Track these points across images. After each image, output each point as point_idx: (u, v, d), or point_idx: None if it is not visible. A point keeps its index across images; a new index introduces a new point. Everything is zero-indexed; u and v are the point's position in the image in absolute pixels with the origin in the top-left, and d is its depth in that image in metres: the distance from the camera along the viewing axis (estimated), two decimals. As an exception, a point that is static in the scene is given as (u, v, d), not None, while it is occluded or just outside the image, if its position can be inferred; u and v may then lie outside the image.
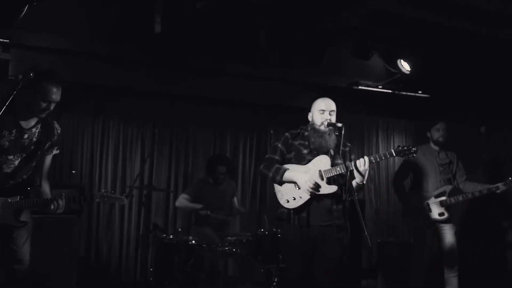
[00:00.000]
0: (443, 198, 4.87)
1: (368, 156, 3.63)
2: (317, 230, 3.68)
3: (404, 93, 6.75)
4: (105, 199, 3.55)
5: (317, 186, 3.63)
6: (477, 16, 5.20)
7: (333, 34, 5.91)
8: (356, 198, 3.41)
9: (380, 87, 6.61)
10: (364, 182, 3.66)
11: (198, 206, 5.46)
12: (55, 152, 3.51)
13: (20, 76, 3.01)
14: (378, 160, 3.67)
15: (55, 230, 4.91)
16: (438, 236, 4.96)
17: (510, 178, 4.67)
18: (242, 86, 6.17)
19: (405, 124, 7.38)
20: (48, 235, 4.81)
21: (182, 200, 5.57)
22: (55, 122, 3.47)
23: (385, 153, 3.63)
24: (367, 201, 7.12)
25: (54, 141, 3.45)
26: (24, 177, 3.35)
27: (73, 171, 4.50)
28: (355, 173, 3.59)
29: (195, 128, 6.34)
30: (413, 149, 3.62)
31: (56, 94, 3.23)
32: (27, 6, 4.59)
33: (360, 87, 6.54)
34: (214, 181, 5.69)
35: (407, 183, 5.29)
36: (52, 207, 3.28)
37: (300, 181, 3.67)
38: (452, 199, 4.85)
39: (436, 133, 5.02)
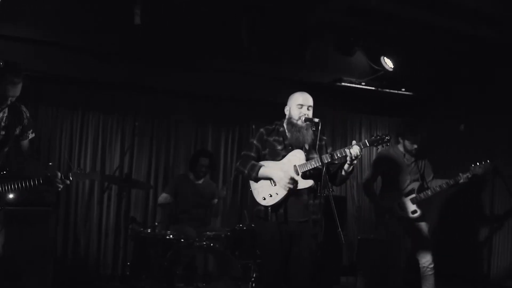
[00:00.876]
0: (413, 195, 4.94)
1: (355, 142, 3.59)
2: (294, 227, 3.67)
3: (388, 90, 6.73)
4: (80, 177, 3.60)
5: (293, 181, 3.61)
6: (460, 13, 5.22)
7: (316, 29, 5.91)
8: (331, 193, 3.39)
9: (364, 84, 6.59)
10: (355, 163, 3.61)
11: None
12: (31, 136, 3.51)
13: None
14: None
15: (30, 222, 4.82)
16: (412, 233, 5.00)
17: (472, 165, 4.81)
18: (224, 81, 6.12)
19: (388, 121, 7.38)
20: (23, 228, 4.75)
21: (162, 199, 5.57)
22: (22, 106, 3.44)
23: (359, 144, 3.60)
24: (349, 198, 7.12)
25: (25, 125, 3.45)
26: None
27: (50, 163, 4.39)
28: (348, 160, 3.56)
29: (176, 122, 6.27)
30: (386, 137, 3.63)
31: (12, 91, 3.19)
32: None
33: (343, 84, 6.51)
34: (195, 175, 5.67)
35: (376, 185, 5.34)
36: (58, 184, 3.32)
37: (276, 177, 3.65)
38: (422, 195, 4.92)
39: (410, 146, 5.03)
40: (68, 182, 3.38)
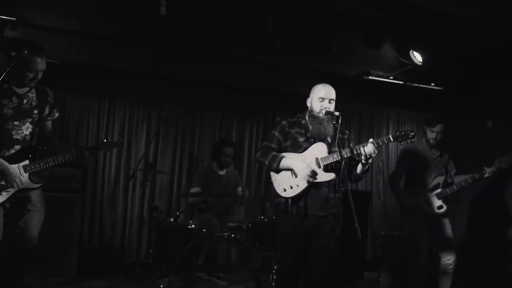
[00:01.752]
0: (439, 190, 4.85)
1: (372, 140, 3.51)
2: (314, 221, 3.64)
3: (417, 84, 6.61)
4: (106, 146, 3.78)
5: (314, 173, 3.58)
6: (491, 6, 5.07)
7: (343, 21, 5.82)
8: (349, 188, 3.35)
9: (391, 78, 6.48)
10: (370, 162, 3.55)
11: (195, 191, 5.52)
12: (56, 114, 3.68)
13: (13, 53, 3.21)
14: (380, 144, 3.56)
15: (56, 208, 4.93)
16: (436, 229, 4.92)
17: (497, 159, 4.71)
18: (250, 72, 6.13)
19: (417, 116, 7.25)
20: (50, 214, 4.84)
21: (193, 193, 5.60)
22: (45, 86, 3.61)
23: (383, 139, 3.54)
24: (375, 194, 7.05)
25: (52, 104, 3.60)
26: (33, 142, 3.49)
27: (92, 153, 4.53)
28: (363, 157, 3.50)
29: (201, 113, 6.33)
30: (411, 133, 3.56)
31: (40, 63, 3.37)
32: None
33: (370, 77, 6.42)
34: (219, 165, 5.69)
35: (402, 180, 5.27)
36: (86, 155, 3.49)
37: (297, 168, 3.62)
38: (448, 190, 4.82)
39: (430, 134, 4.95)
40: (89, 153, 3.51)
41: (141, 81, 6.00)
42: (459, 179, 4.92)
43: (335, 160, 3.58)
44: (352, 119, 7.09)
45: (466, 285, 5.75)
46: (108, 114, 5.91)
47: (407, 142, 3.69)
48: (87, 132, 5.78)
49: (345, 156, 3.53)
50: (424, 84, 6.64)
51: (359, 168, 3.63)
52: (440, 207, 4.84)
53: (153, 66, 5.82)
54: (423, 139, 5.07)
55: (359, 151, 3.51)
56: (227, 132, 6.45)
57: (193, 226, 4.94)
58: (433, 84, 6.67)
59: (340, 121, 3.58)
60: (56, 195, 4.99)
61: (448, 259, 4.88)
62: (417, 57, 6.18)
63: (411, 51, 6.21)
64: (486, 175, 4.73)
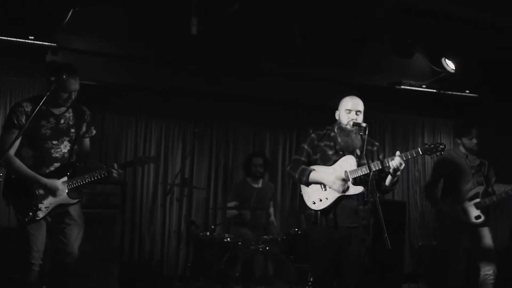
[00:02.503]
0: (477, 200, 4.76)
1: (399, 153, 3.55)
2: (344, 232, 3.69)
3: (450, 92, 6.55)
4: (142, 161, 4.04)
5: (346, 184, 3.64)
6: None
7: (372, 31, 5.84)
8: (377, 199, 3.37)
9: (424, 86, 6.45)
10: (398, 174, 3.59)
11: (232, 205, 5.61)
12: (94, 132, 3.84)
13: (53, 78, 3.42)
14: (409, 157, 3.58)
15: (98, 225, 5.13)
16: (474, 239, 4.84)
17: None
18: (281, 86, 6.23)
19: (452, 124, 7.15)
20: (92, 230, 5.05)
21: (229, 206, 5.72)
22: (82, 105, 3.78)
23: (412, 152, 3.57)
24: (412, 204, 6.98)
25: (89, 121, 3.78)
26: (71, 159, 3.67)
27: (127, 168, 4.76)
28: (391, 170, 3.54)
29: (234, 127, 6.46)
30: (441, 146, 3.56)
31: (74, 84, 3.53)
32: (71, 12, 4.87)
33: (402, 87, 6.40)
34: (252, 177, 5.79)
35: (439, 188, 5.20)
36: (114, 174, 3.60)
37: (328, 182, 3.69)
38: (487, 200, 4.74)
39: (469, 143, 4.90)
40: (121, 171, 3.64)
41: (175, 98, 6.17)
42: (499, 189, 4.83)
43: (364, 173, 3.62)
44: (386, 129, 7.06)
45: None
46: (145, 132, 6.10)
47: (436, 155, 3.67)
48: (125, 149, 5.98)
49: (374, 169, 3.56)
50: (459, 92, 6.56)
51: (388, 179, 3.66)
52: (478, 217, 4.76)
53: (186, 83, 6.00)
54: (460, 147, 4.99)
55: (387, 164, 3.53)
56: (260, 144, 6.55)
57: (228, 239, 5.04)
58: (467, 91, 6.58)
59: (367, 132, 3.61)
60: (97, 212, 5.16)
61: (488, 270, 4.79)
62: (450, 65, 6.12)
63: (443, 59, 6.16)
64: None
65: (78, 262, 4.19)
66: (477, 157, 4.95)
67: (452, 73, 6.13)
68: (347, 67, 6.14)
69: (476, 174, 4.89)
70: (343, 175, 3.67)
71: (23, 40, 5.08)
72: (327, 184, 3.69)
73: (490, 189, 4.88)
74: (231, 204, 5.70)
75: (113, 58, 5.74)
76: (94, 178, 3.60)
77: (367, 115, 3.90)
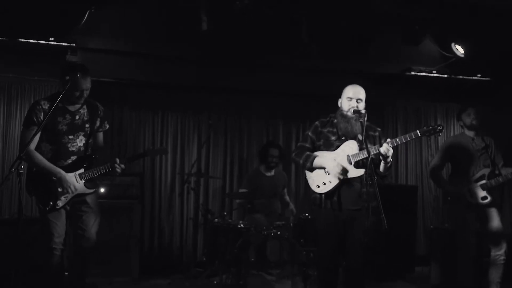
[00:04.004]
0: (484, 181, 4.81)
1: (389, 140, 3.71)
2: (348, 214, 3.85)
3: (461, 77, 6.58)
4: (153, 152, 4.20)
5: (344, 171, 3.80)
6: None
7: (380, 20, 5.92)
8: (375, 181, 3.51)
9: (435, 72, 6.50)
10: (391, 160, 3.74)
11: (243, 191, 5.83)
12: (107, 126, 4.07)
13: (67, 77, 3.65)
14: (404, 141, 3.75)
15: (117, 214, 5.45)
16: (483, 220, 4.90)
17: None
18: (292, 78, 6.40)
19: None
20: (111, 219, 5.36)
21: (240, 193, 5.92)
22: (96, 101, 4.00)
23: (410, 134, 3.74)
24: (426, 188, 7.05)
25: (102, 116, 4.00)
26: (87, 152, 3.91)
27: (139, 159, 5.05)
28: (381, 156, 3.71)
29: (247, 119, 6.65)
30: (439, 127, 3.71)
31: (85, 83, 3.74)
32: (88, 13, 5.13)
33: (413, 73, 6.47)
34: (266, 167, 5.97)
35: (447, 170, 5.26)
36: (117, 169, 3.79)
37: (328, 167, 3.86)
38: (493, 181, 4.78)
39: (468, 118, 4.96)
40: (123, 166, 3.82)
41: (189, 93, 6.41)
42: (507, 171, 4.87)
43: (364, 156, 3.77)
44: (398, 116, 7.14)
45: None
46: (162, 125, 6.35)
47: (435, 137, 3.79)
48: (143, 143, 6.24)
49: (373, 153, 3.71)
50: (470, 76, 6.59)
51: (382, 166, 3.81)
52: (484, 198, 4.79)
53: (199, 78, 6.23)
54: (464, 131, 5.08)
55: (376, 151, 3.71)
56: (274, 135, 6.73)
57: (242, 225, 5.24)
58: (479, 75, 6.60)
59: (366, 118, 3.76)
60: (117, 202, 5.48)
61: (498, 251, 4.82)
62: (459, 49, 6.14)
63: (452, 44, 6.19)
64: None
65: (99, 250, 4.49)
66: (482, 140, 5.00)
67: (462, 58, 6.16)
68: (357, 57, 6.22)
69: (482, 157, 4.93)
70: (345, 159, 3.84)
71: (44, 42, 5.36)
72: (328, 170, 3.86)
73: (497, 171, 4.94)
74: (241, 191, 5.91)
75: (129, 56, 6.01)
76: (100, 173, 3.81)
77: (380, 102, 3.99)
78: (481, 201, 4.81)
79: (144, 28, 5.73)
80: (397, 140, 3.74)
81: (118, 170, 3.79)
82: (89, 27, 5.39)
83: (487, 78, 6.68)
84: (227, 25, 5.63)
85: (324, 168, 3.89)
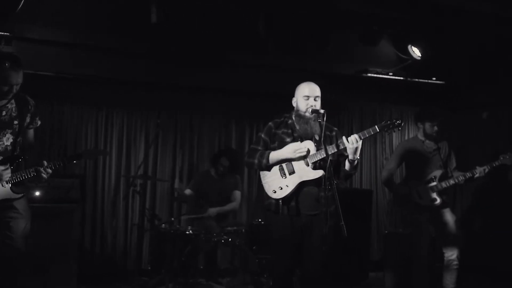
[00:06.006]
0: (434, 183, 4.81)
1: (357, 133, 3.51)
2: (305, 219, 3.63)
3: (417, 79, 6.53)
4: (91, 155, 3.88)
5: (306, 148, 3.57)
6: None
7: (338, 19, 5.78)
8: (335, 186, 3.32)
9: (391, 74, 6.42)
10: (358, 158, 3.54)
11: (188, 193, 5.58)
12: (38, 123, 3.65)
13: None
14: (362, 138, 3.51)
15: (56, 219, 5.00)
16: (435, 222, 4.87)
17: (501, 156, 4.70)
18: (246, 76, 6.14)
19: (417, 110, 7.14)
20: (49, 224, 4.93)
21: (187, 196, 5.65)
22: (26, 95, 3.59)
23: (369, 130, 3.54)
24: (380, 192, 6.97)
25: (33, 112, 3.59)
26: (15, 152, 3.49)
27: (74, 161, 4.59)
28: (348, 151, 3.51)
29: (199, 118, 6.34)
30: (397, 122, 3.56)
31: (15, 78, 3.33)
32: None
33: (369, 75, 6.36)
34: (216, 173, 5.75)
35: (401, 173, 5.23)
36: (43, 174, 3.38)
37: (288, 152, 3.61)
38: (444, 184, 4.77)
39: (430, 128, 4.91)
40: (49, 171, 3.43)
41: (137, 89, 6.04)
42: (457, 174, 4.87)
43: (322, 156, 3.55)
44: (354, 118, 7.04)
45: (477, 281, 5.65)
46: (106, 124, 5.95)
47: (394, 131, 3.66)
48: (85, 142, 5.83)
49: (331, 152, 3.52)
50: (425, 79, 6.55)
51: (347, 164, 3.60)
52: (433, 200, 4.78)
53: (148, 73, 5.86)
54: (418, 134, 5.03)
55: (344, 145, 3.49)
56: (226, 136, 6.45)
57: (190, 231, 4.97)
58: (434, 79, 6.58)
59: (325, 118, 3.54)
60: (55, 206, 5.03)
61: (451, 255, 4.82)
62: (416, 52, 6.10)
63: (409, 46, 6.13)
64: (477, 175, 4.71)
65: (34, 259, 4.08)
66: (434, 143, 4.97)
67: (418, 60, 6.11)
68: (313, 56, 6.05)
69: (434, 158, 4.92)
70: (300, 163, 3.61)
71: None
72: (288, 156, 3.60)
73: (450, 174, 4.91)
74: (187, 191, 5.66)
75: (72, 48, 5.54)
76: (28, 176, 3.41)
77: (336, 103, 3.83)
78: (430, 203, 4.77)
79: (88, 18, 5.29)
80: (365, 132, 3.54)
81: (44, 175, 3.38)
82: (27, 15, 4.92)
83: (442, 82, 6.66)
84: (179, 18, 5.32)
85: (282, 160, 3.64)
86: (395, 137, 7.10)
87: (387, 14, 5.59)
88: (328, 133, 3.78)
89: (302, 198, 3.63)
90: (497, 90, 6.38)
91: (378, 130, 3.54)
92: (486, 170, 4.68)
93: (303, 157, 3.60)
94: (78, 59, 5.60)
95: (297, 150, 3.57)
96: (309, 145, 3.66)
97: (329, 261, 3.69)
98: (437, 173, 4.84)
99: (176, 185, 5.73)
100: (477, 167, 4.70)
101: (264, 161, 3.68)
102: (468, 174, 4.73)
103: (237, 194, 5.77)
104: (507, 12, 5.14)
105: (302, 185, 3.61)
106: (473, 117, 6.62)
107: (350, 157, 3.52)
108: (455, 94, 6.84)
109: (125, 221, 5.97)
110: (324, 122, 3.53)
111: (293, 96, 3.91)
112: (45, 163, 3.39)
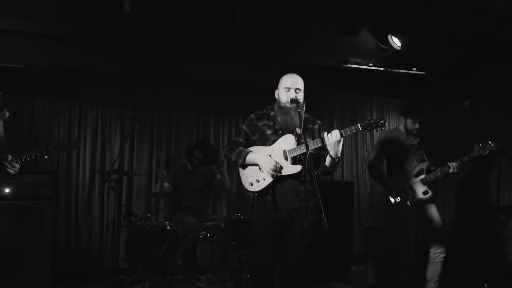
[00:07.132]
0: (423, 176, 4.77)
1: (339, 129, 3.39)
2: (285, 214, 3.53)
3: (397, 70, 6.44)
4: (61, 148, 3.72)
5: (278, 167, 3.46)
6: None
7: (317, 9, 5.66)
8: (315, 178, 3.22)
9: (371, 64, 6.31)
10: (339, 155, 3.44)
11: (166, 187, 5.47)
12: (7, 114, 3.45)
13: None
14: (348, 133, 3.41)
15: (27, 217, 4.82)
16: (423, 216, 4.82)
17: (476, 146, 4.79)
18: (225, 68, 5.96)
19: (401, 103, 7.08)
20: (20, 222, 4.75)
21: (163, 189, 5.51)
22: None
23: (351, 128, 3.42)
24: (361, 184, 6.90)
25: (0, 103, 3.41)
26: None
27: (45, 156, 4.36)
28: (328, 147, 3.40)
29: (177, 112, 6.16)
30: (381, 121, 3.44)
31: None
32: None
33: (349, 65, 6.25)
34: (191, 166, 5.68)
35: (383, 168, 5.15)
36: (8, 169, 3.26)
37: (261, 163, 3.51)
38: (432, 175, 4.74)
39: (412, 125, 4.85)
40: (17, 167, 3.30)
41: (111, 81, 5.84)
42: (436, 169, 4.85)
43: (302, 151, 3.45)
44: (335, 109, 6.93)
45: (460, 274, 5.62)
46: (80, 117, 5.75)
47: (377, 131, 3.57)
48: (58, 136, 5.61)
49: (313, 147, 3.41)
50: (405, 70, 6.46)
51: (328, 160, 3.49)
52: (425, 193, 4.75)
53: (123, 66, 5.65)
54: (400, 127, 4.95)
55: (325, 141, 3.37)
56: (205, 129, 6.29)
57: (168, 227, 4.82)
58: (414, 69, 6.49)
59: (304, 108, 3.44)
60: (25, 203, 4.83)
61: (437, 249, 4.80)
62: (396, 42, 6.01)
63: (389, 36, 6.04)
64: (451, 170, 4.71)
65: (4, 258, 3.90)
66: (414, 138, 4.93)
67: (398, 50, 6.03)
68: (293, 47, 5.91)
69: (417, 152, 4.88)
70: (279, 157, 3.50)
71: None
72: (261, 166, 3.51)
73: (433, 167, 4.87)
74: (165, 185, 5.53)
75: (42, 39, 5.31)
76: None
77: (316, 94, 3.72)
78: (422, 196, 4.74)
79: (60, 8, 5.05)
80: (347, 130, 3.42)
81: (11, 170, 3.22)
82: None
83: (422, 72, 6.58)
84: (154, 7, 5.13)
85: (256, 165, 3.54)
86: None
87: (367, 4, 5.51)
88: (310, 125, 3.71)
89: (280, 191, 3.54)
90: (479, 81, 6.33)
91: (360, 129, 3.42)
92: (458, 164, 4.72)
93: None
94: (50, 51, 5.38)
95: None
96: (289, 139, 3.57)
97: (310, 255, 3.60)
98: (424, 165, 4.81)
99: (160, 175, 5.55)
100: (448, 163, 4.71)
101: (240, 160, 3.61)
102: (445, 169, 4.73)
103: (219, 177, 5.69)
104: (486, 2, 5.10)
105: (280, 178, 3.51)
106: (454, 107, 6.57)
107: (331, 153, 3.42)
108: (436, 85, 6.77)
109: (101, 218, 5.78)
110: (305, 114, 3.45)
111: (274, 88, 3.81)
112: (10, 156, 3.22)
